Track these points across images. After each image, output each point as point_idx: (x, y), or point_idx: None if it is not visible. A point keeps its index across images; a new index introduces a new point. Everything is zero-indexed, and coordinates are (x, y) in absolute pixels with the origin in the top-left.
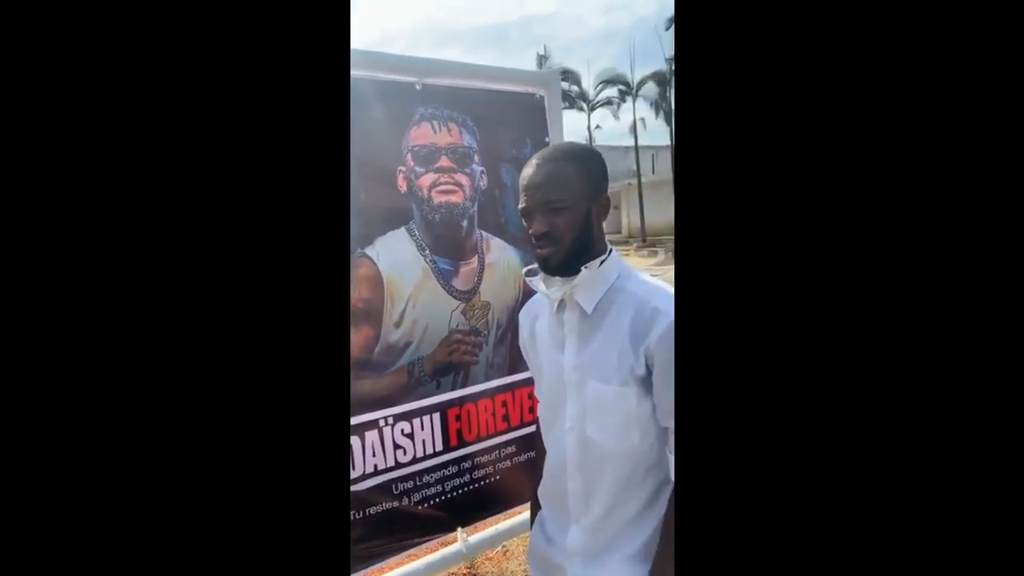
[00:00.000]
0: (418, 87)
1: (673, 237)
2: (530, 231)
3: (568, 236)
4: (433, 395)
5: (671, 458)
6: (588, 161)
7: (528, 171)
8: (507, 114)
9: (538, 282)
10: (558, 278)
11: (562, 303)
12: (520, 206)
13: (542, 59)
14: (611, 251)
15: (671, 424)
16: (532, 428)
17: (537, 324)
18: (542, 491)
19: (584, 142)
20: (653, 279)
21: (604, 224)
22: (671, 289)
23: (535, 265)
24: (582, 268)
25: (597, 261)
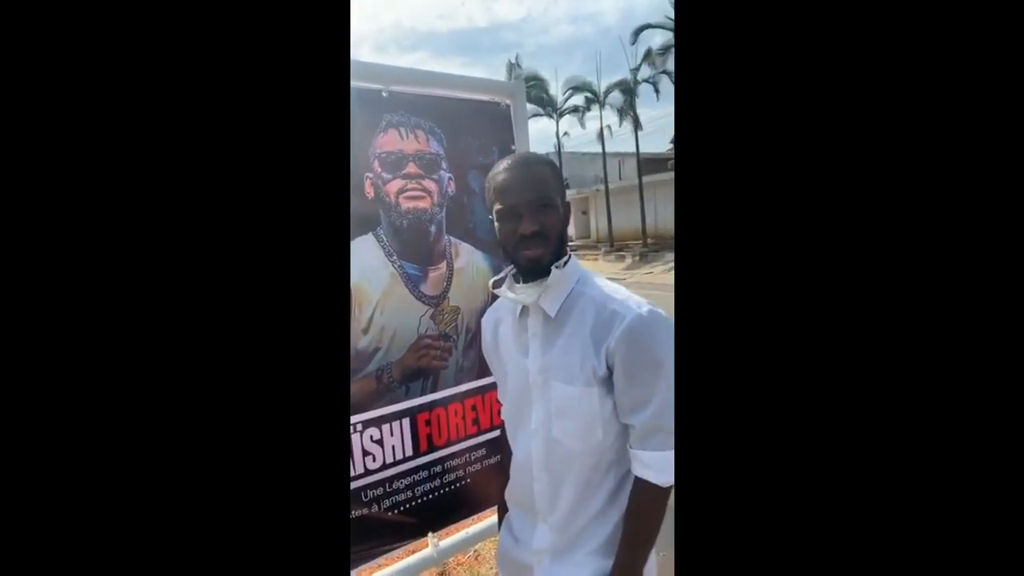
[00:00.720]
0: (384, 94)
1: (640, 241)
2: (518, 231)
3: (555, 234)
4: (402, 400)
5: (635, 453)
6: (554, 166)
7: (505, 175)
8: (473, 122)
9: (506, 291)
10: (526, 284)
11: (525, 308)
12: (498, 208)
13: (513, 67)
14: (570, 255)
15: (630, 421)
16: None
17: (500, 329)
18: (509, 493)
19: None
20: (608, 283)
21: (573, 229)
22: (626, 292)
23: (500, 276)
24: (553, 268)
25: (562, 262)
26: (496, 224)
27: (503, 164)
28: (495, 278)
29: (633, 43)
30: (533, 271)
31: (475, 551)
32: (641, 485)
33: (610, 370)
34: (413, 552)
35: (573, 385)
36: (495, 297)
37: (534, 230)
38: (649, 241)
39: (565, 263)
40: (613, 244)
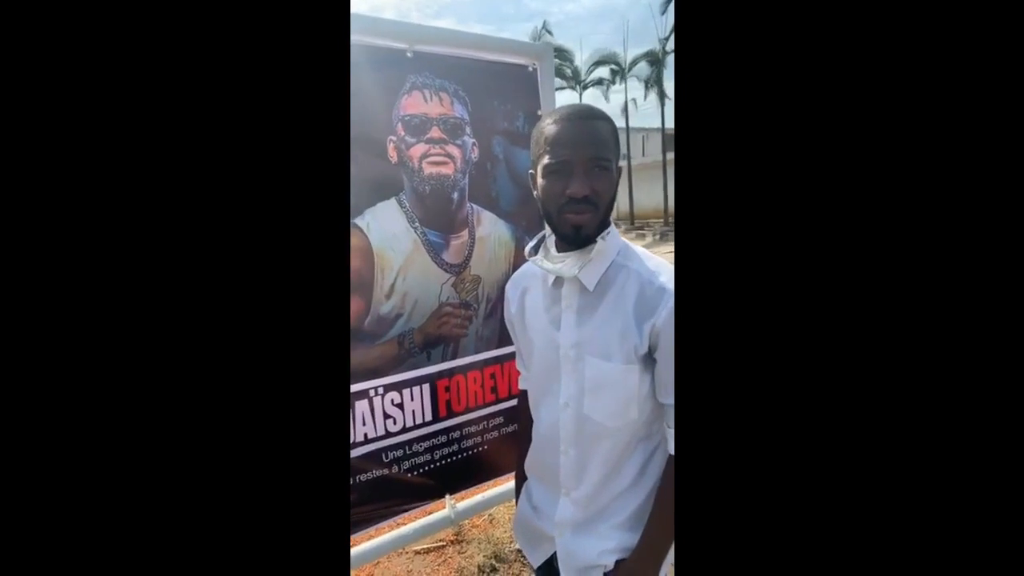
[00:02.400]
0: (409, 54)
1: (661, 219)
2: (566, 192)
3: (605, 201)
4: (423, 366)
5: (670, 432)
6: (614, 124)
7: (559, 126)
8: (499, 85)
9: (542, 260)
10: (565, 253)
11: (558, 279)
12: (546, 162)
13: (540, 34)
14: (611, 226)
15: (671, 401)
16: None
17: (527, 299)
18: (531, 463)
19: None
20: (651, 255)
21: None
22: (670, 266)
23: (534, 242)
24: (598, 239)
25: (605, 232)
26: (540, 181)
27: (556, 114)
28: (530, 244)
29: (663, 12)
30: (575, 239)
31: (490, 515)
32: None
33: (651, 348)
34: (430, 513)
35: (611, 362)
36: (516, 267)
37: (584, 194)
38: (671, 220)
39: (607, 233)
40: (634, 222)
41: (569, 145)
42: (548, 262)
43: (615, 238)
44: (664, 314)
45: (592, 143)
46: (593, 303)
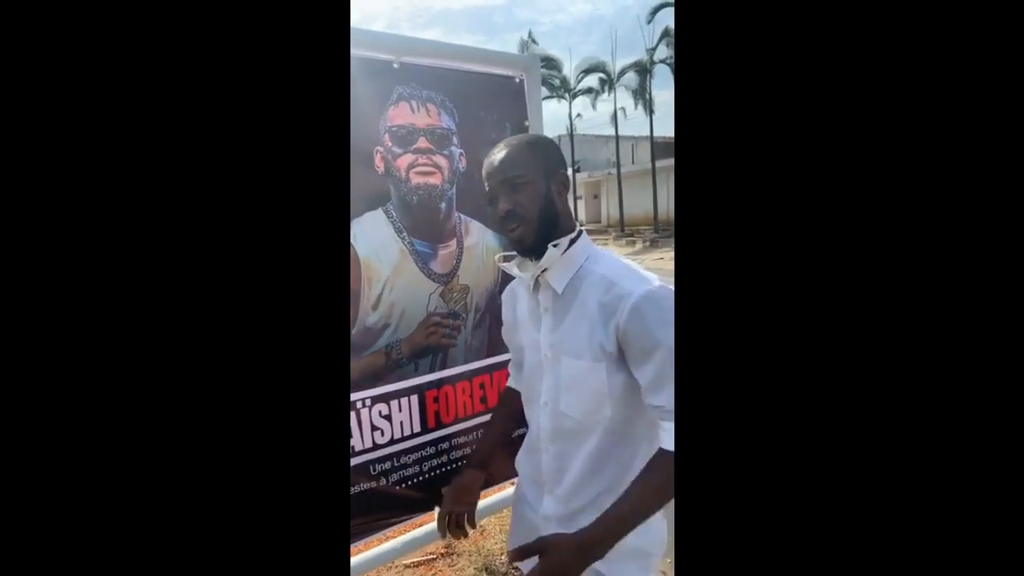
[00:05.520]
0: (396, 65)
1: (651, 226)
2: (496, 213)
3: (532, 212)
4: (411, 377)
5: (664, 426)
6: (541, 143)
7: (487, 159)
8: (486, 97)
9: (512, 267)
10: (532, 260)
11: (538, 284)
12: (485, 192)
13: (526, 44)
14: (581, 232)
15: (656, 402)
16: None
17: (518, 306)
18: (520, 461)
19: (539, 134)
20: (622, 260)
21: (584, 213)
22: (638, 269)
23: (512, 251)
24: (549, 246)
25: (566, 240)
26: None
27: (492, 149)
28: (505, 253)
29: (650, 22)
30: (523, 250)
31: (480, 526)
32: (667, 456)
33: (620, 349)
34: (420, 525)
35: (581, 360)
36: (505, 277)
37: (507, 209)
38: (660, 227)
39: (573, 240)
40: (624, 229)
41: (488, 176)
42: (516, 268)
43: (584, 244)
44: (624, 316)
45: (502, 167)
46: (565, 306)
